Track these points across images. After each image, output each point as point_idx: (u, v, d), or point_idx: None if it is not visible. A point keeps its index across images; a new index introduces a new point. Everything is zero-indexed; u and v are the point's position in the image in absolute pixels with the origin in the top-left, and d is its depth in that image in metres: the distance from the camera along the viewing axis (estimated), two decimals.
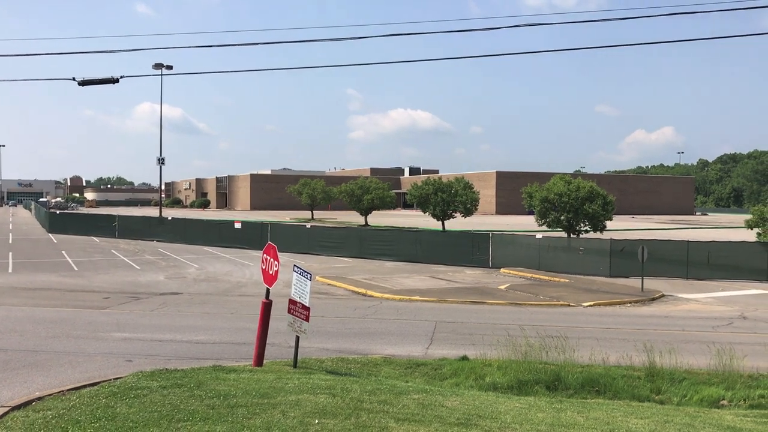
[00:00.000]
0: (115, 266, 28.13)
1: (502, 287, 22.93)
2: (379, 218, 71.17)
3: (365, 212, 58.03)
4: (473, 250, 29.97)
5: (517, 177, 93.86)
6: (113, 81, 13.58)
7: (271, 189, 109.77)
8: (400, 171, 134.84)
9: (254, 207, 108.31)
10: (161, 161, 56.29)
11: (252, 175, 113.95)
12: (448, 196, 44.06)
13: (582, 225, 31.55)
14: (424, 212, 46.38)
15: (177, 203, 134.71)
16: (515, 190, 67.11)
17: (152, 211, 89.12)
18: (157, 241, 40.85)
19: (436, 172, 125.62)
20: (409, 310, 18.30)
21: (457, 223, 51.13)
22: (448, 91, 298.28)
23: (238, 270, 27.73)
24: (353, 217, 71.07)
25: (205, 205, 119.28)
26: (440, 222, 45.72)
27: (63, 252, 33.55)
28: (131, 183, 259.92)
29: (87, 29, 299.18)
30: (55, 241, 40.11)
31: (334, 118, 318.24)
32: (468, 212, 44.72)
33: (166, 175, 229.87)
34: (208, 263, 30.07)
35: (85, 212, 63.77)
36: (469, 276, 26.29)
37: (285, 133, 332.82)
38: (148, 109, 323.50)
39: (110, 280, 23.95)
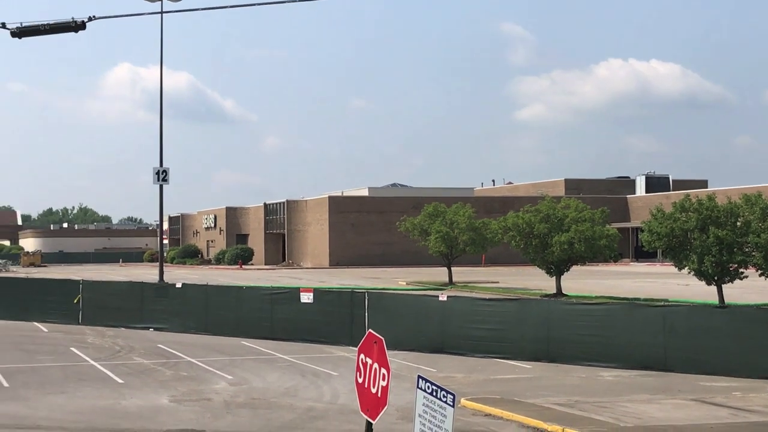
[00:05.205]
0: (77, 379, 29.11)
1: None
2: (586, 279, 70.17)
3: (556, 268, 57.48)
4: None
5: None
6: (75, 27, 14.30)
7: (368, 225, 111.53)
8: (627, 184, 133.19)
9: (337, 260, 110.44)
10: (162, 176, 58.17)
11: (332, 200, 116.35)
12: (730, 234, 42.85)
13: None
14: (680, 267, 45.36)
15: (192, 255, 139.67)
16: None
17: (146, 272, 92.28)
18: (155, 329, 42.18)
19: (703, 184, 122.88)
20: None
21: (751, 287, 49.47)
22: (711, 21, 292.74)
23: (310, 385, 28.01)
24: (532, 278, 70.56)
25: (243, 258, 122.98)
26: (714, 286, 44.48)
27: None
28: (105, 218, 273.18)
29: None
30: None
31: (480, 83, 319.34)
32: None
33: (171, 202, 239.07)
34: (250, 371, 30.61)
35: (23, 276, 67.03)
36: None
37: (387, 114, 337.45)
38: (128, 75, 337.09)
39: (69, 405, 24.73)
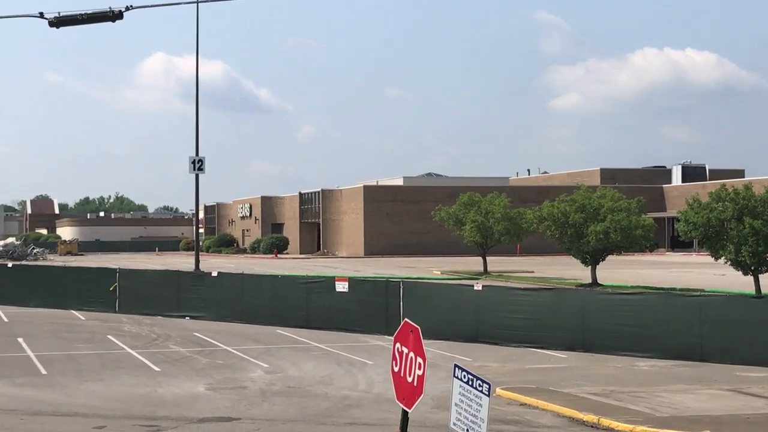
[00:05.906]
0: (114, 366, 29.42)
1: None
2: (621, 269, 69.89)
3: (592, 258, 57.24)
4: None
5: None
6: (112, 17, 14.37)
7: (403, 214, 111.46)
8: (663, 174, 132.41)
9: (372, 250, 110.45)
10: (198, 165, 58.44)
11: (367, 189, 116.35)
12: (767, 224, 42.52)
13: None
14: (716, 257, 45.14)
15: (228, 244, 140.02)
16: None
17: (182, 260, 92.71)
18: (191, 317, 42.42)
19: (739, 174, 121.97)
20: None
21: None
22: (748, 9, 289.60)
23: (345, 374, 28.12)
24: (567, 267, 70.39)
25: (279, 247, 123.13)
26: (751, 276, 44.22)
27: (20, 340, 35.47)
28: (141, 207, 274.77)
29: None
30: (6, 320, 42.70)
31: (515, 72, 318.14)
32: None
33: (207, 191, 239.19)
34: (286, 360, 30.76)
35: (60, 264, 67.57)
36: None
37: (422, 103, 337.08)
38: (162, 64, 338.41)
39: (106, 393, 24.97)
